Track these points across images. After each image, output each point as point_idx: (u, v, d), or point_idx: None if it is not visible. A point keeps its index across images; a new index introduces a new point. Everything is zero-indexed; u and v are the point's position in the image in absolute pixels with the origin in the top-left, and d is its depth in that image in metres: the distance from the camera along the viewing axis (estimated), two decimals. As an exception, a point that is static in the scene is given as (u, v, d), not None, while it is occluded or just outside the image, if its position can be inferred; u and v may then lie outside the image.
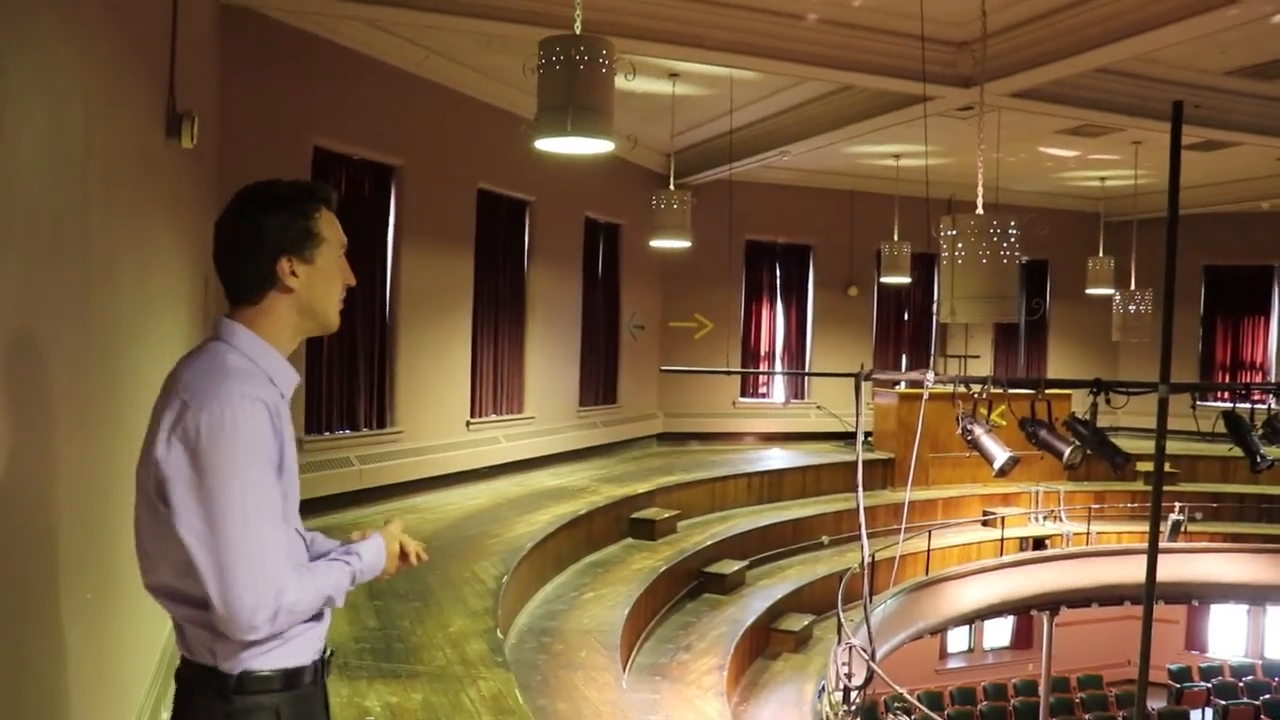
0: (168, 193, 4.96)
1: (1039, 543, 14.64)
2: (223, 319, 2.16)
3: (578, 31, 5.29)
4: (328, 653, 2.26)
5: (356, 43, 9.19)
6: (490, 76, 10.57)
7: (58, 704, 2.86)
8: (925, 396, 7.17)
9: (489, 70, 10.42)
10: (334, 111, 9.15)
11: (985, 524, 14.76)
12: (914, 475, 14.66)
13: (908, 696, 7.05)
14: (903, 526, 7.46)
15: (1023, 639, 19.21)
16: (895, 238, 14.49)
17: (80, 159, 3.07)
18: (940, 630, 14.36)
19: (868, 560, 7.37)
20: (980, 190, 6.49)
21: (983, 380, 7.51)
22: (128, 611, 3.95)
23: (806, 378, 16.90)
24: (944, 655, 18.69)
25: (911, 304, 17.61)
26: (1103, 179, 16.00)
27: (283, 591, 2.00)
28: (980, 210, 6.46)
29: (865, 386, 16.50)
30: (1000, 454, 7.35)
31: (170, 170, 4.95)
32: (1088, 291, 15.18)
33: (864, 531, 7.16)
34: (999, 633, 19.35)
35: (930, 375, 7.04)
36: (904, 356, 17.66)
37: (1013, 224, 6.28)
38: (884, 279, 15.27)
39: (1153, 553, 5.87)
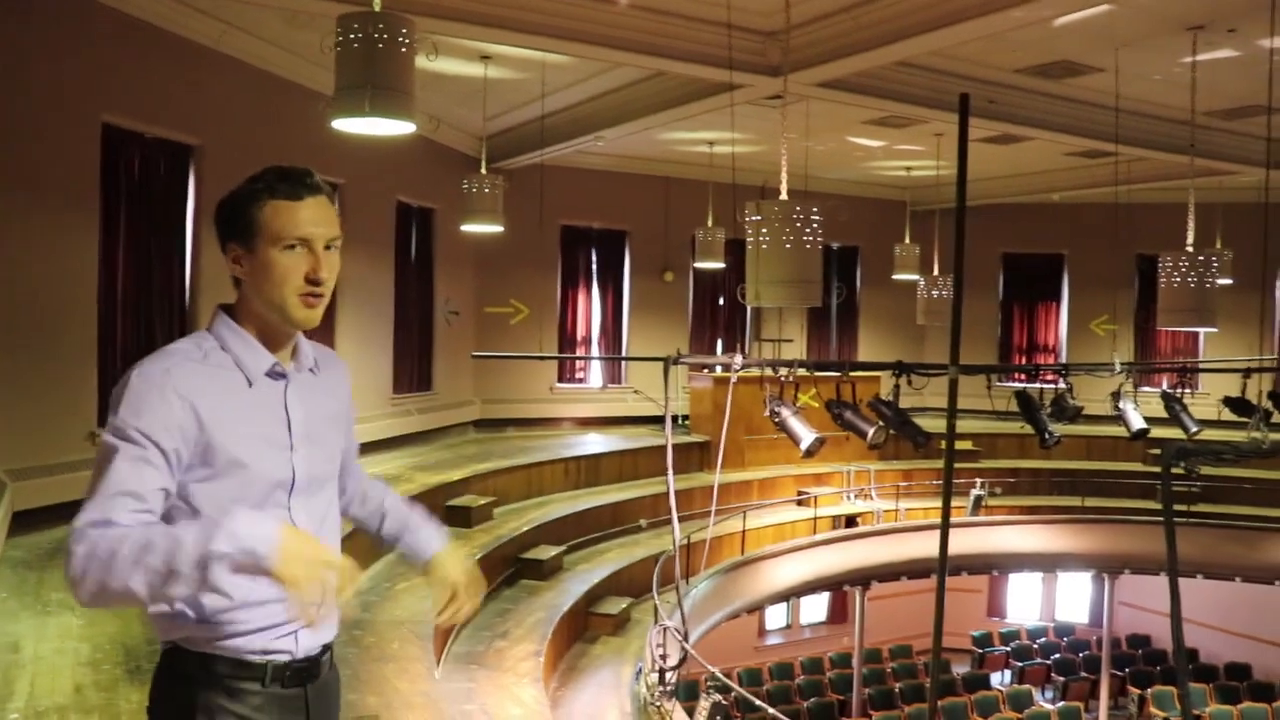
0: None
1: (850, 520, 15.11)
2: (216, 308, 2.21)
3: (377, 8, 5.15)
4: (296, 657, 2.18)
5: (148, 13, 8.73)
6: (295, 54, 10.23)
7: None
8: (733, 380, 7.28)
9: (294, 47, 10.08)
10: (125, 86, 8.69)
11: (799, 504, 15.14)
12: (730, 457, 14.92)
13: (720, 676, 7.17)
14: (713, 508, 7.56)
15: (838, 614, 19.80)
16: (709, 223, 14.68)
17: None
18: (757, 608, 14.66)
19: (680, 542, 7.45)
20: (785, 177, 6.61)
21: (789, 363, 7.68)
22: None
23: (624, 362, 16.99)
24: (763, 633, 19.10)
25: (726, 289, 17.90)
26: (908, 169, 16.58)
27: (88, 525, 1.88)
28: (784, 196, 6.60)
29: (682, 370, 16.82)
30: (806, 435, 7.55)
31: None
32: (894, 277, 15.72)
33: (675, 514, 7.24)
34: (815, 609, 19.89)
35: (738, 359, 7.16)
36: (719, 341, 17.94)
37: (815, 210, 6.43)
38: (698, 264, 15.47)
39: (945, 525, 6.10)
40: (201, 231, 9.53)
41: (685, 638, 7.46)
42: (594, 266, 16.99)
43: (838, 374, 8.09)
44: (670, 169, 16.32)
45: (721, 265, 15.05)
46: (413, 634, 7.42)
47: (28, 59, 7.75)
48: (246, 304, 2.18)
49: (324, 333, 11.60)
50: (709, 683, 6.98)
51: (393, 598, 8.30)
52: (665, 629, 7.96)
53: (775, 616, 19.24)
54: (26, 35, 7.74)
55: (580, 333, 16.92)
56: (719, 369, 15.27)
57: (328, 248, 2.15)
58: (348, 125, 5.35)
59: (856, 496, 15.66)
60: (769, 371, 7.70)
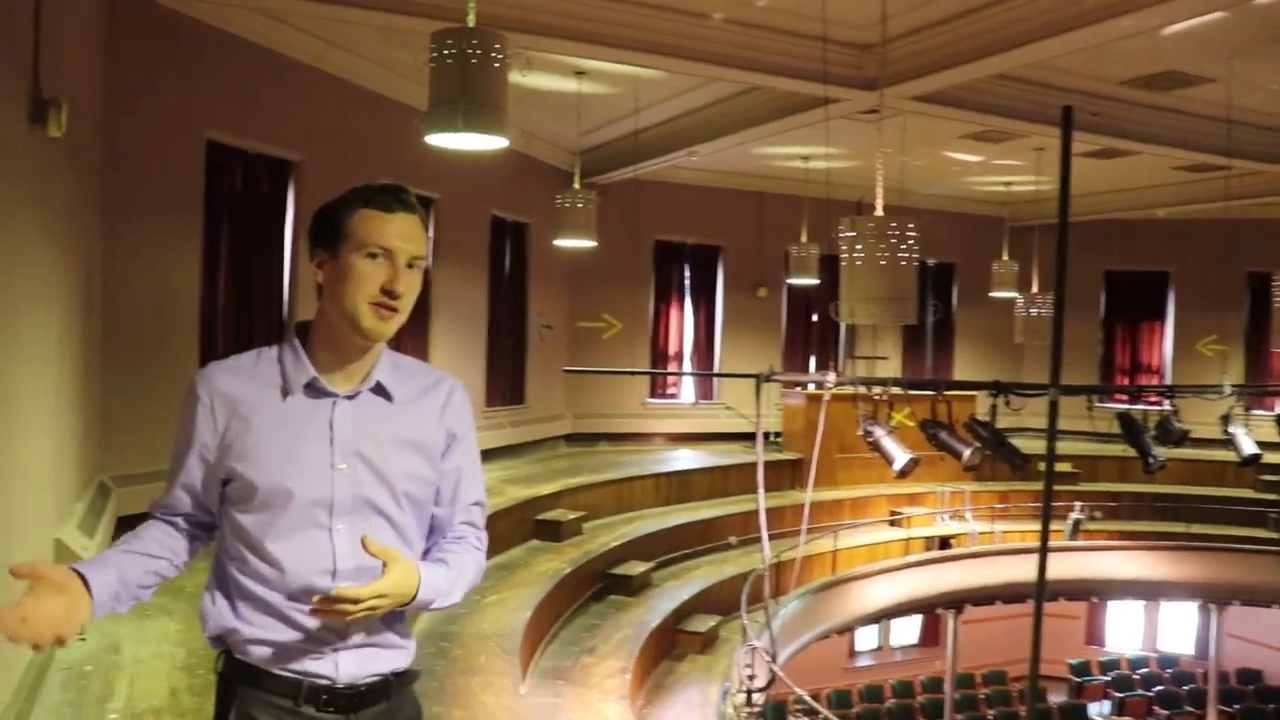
0: (33, 183, 4.73)
1: (944, 542, 14.82)
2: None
3: (470, 24, 5.18)
4: (336, 683, 2.12)
5: (252, 33, 8.93)
6: (393, 71, 10.38)
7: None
8: (826, 398, 7.18)
9: (392, 64, 10.22)
10: (229, 104, 8.89)
11: (892, 524, 14.90)
12: (822, 476, 14.74)
13: (808, 699, 7.05)
14: (804, 527, 7.46)
15: (930, 637, 19.43)
16: (803, 239, 14.55)
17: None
18: (848, 630, 14.47)
19: (770, 561, 7.36)
20: (880, 192, 6.50)
21: (883, 382, 7.55)
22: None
23: (716, 378, 16.90)
24: (853, 654, 18.82)
25: (820, 305, 17.70)
26: (1007, 184, 16.26)
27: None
28: (880, 212, 6.48)
29: (775, 388, 16.66)
30: (900, 455, 7.40)
31: (36, 160, 4.73)
32: (992, 294, 15.42)
33: (764, 532, 7.16)
34: (907, 631, 19.56)
35: (831, 377, 7.06)
36: (813, 358, 17.76)
37: (911, 226, 6.31)
38: (792, 280, 15.33)
39: (1043, 549, 5.92)
40: (300, 245, 9.70)
41: (773, 658, 7.36)
42: (687, 282, 16.93)
43: (933, 393, 7.91)
44: (764, 184, 16.21)
45: (816, 281, 14.89)
46: (500, 647, 7.43)
47: (136, 79, 7.97)
48: (323, 314, 2.18)
49: (418, 346, 11.74)
50: (796, 705, 6.86)
51: (481, 610, 8.32)
52: (753, 649, 7.87)
53: (866, 638, 18.95)
54: (135, 56, 7.96)
55: (672, 348, 16.88)
56: (812, 387, 15.10)
57: (410, 265, 2.13)
58: (440, 140, 5.38)
59: (951, 518, 15.35)
60: (862, 390, 7.57)
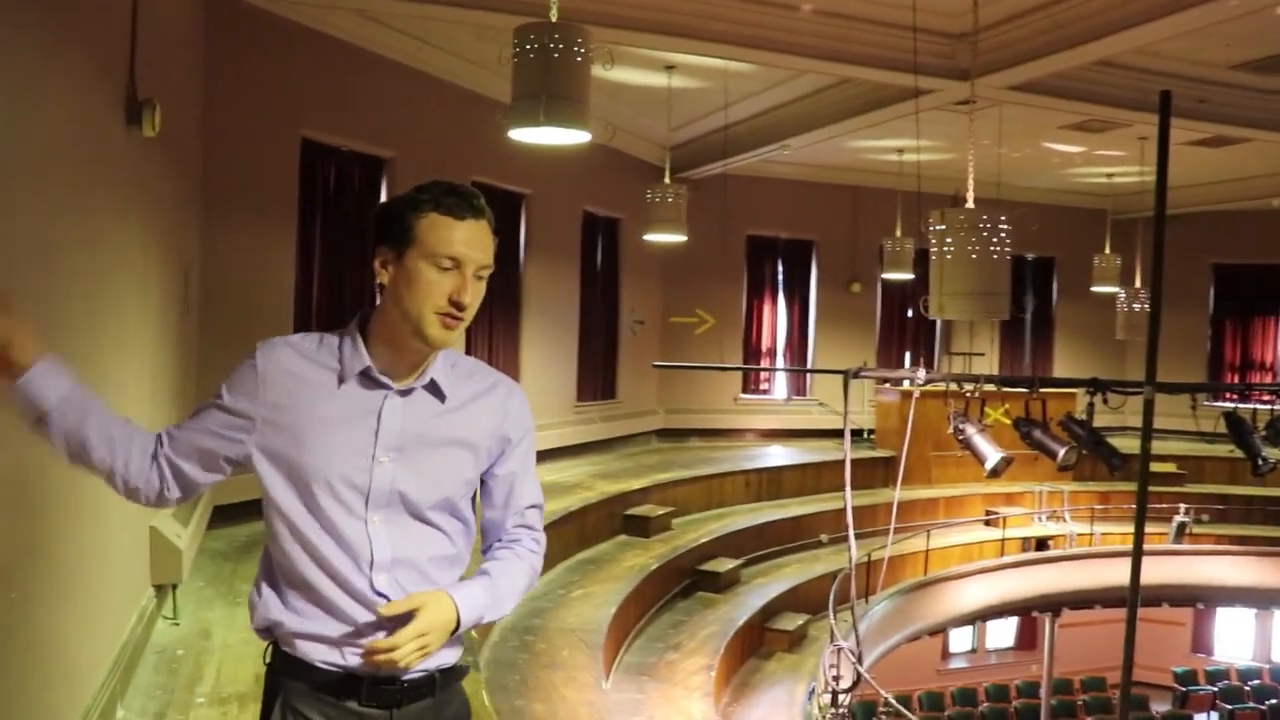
0: (129, 182, 4.84)
1: (1041, 543, 14.49)
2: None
3: (553, 19, 5.17)
4: (379, 675, 2.07)
5: (346, 33, 9.08)
6: (483, 67, 10.43)
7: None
8: (915, 395, 7.03)
9: (484, 61, 10.27)
10: (323, 103, 9.04)
11: (988, 524, 14.61)
12: (916, 474, 14.53)
13: (894, 702, 6.92)
14: (892, 526, 7.33)
15: (1026, 640, 19.03)
16: (898, 233, 14.33)
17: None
18: (940, 631, 14.22)
19: (859, 560, 7.26)
20: (971, 184, 6.35)
21: (975, 378, 7.37)
22: (68, 605, 3.86)
23: (808, 374, 16.74)
24: (946, 655, 18.52)
25: (914, 301, 17.42)
26: (1109, 175, 15.80)
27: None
28: (971, 205, 6.34)
29: (869, 384, 16.42)
30: (992, 454, 7.23)
31: (131, 160, 4.84)
32: (1093, 289, 15.02)
33: (851, 531, 7.01)
34: (1002, 634, 19.18)
35: (921, 373, 6.90)
36: (907, 353, 17.49)
37: (1003, 219, 6.15)
38: (886, 275, 15.11)
39: (1137, 553, 5.73)
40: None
41: (859, 659, 7.23)
42: (780, 277, 16.81)
43: (1027, 390, 7.70)
44: (858, 177, 16.00)
45: (910, 276, 14.66)
46: (583, 642, 7.45)
47: (233, 79, 8.15)
48: (384, 311, 2.12)
49: (509, 341, 11.83)
50: (884, 708, 6.75)
51: (566, 604, 8.36)
52: (839, 649, 7.75)
53: (960, 639, 18.63)
54: (231, 56, 8.14)
55: (765, 344, 16.76)
56: (905, 383, 14.87)
57: (478, 275, 2.07)
58: (523, 135, 5.39)
59: (1048, 518, 15.00)
60: (954, 386, 7.41)
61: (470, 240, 2.04)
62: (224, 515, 7.81)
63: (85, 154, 4.04)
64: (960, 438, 7.43)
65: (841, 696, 7.70)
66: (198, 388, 7.65)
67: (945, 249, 6.12)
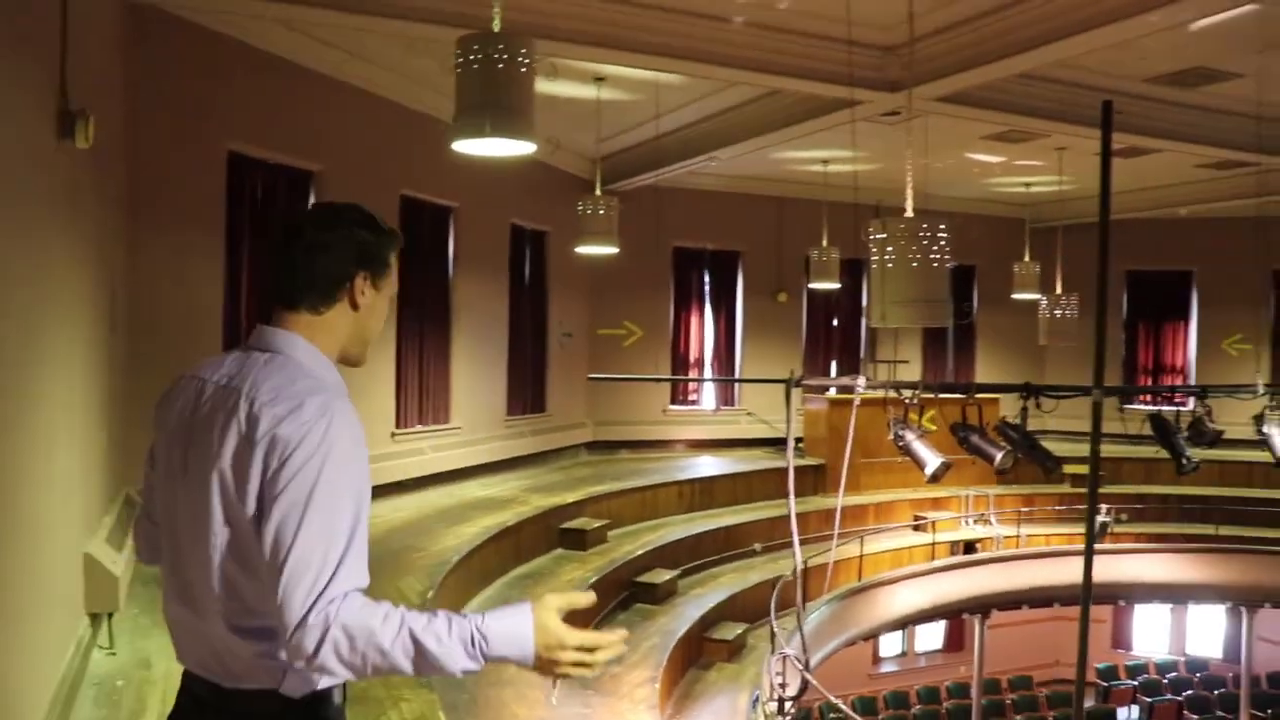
0: (62, 196, 4.69)
1: (969, 546, 14.68)
2: (274, 330, 2.09)
3: (496, 29, 5.12)
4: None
5: (272, 45, 8.92)
6: (413, 80, 10.35)
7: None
8: (856, 403, 7.10)
9: (412, 74, 10.20)
10: (249, 115, 8.87)
11: (916, 529, 14.78)
12: (846, 480, 14.65)
13: (843, 706, 6.95)
14: (835, 532, 7.38)
15: (954, 642, 19.31)
16: (824, 243, 14.47)
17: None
18: (873, 636, 14.35)
19: (800, 567, 7.28)
20: (910, 194, 6.41)
21: (913, 385, 7.46)
22: (5, 635, 3.71)
23: (737, 384, 16.82)
24: (877, 660, 18.72)
25: (841, 310, 17.62)
26: (1028, 184, 16.14)
27: (339, 614, 1.81)
28: (910, 213, 6.40)
29: (795, 392, 16.51)
30: (932, 460, 7.31)
31: (64, 172, 4.69)
32: (1014, 296, 15.30)
33: (796, 539, 7.07)
34: (931, 636, 19.43)
35: (861, 381, 6.97)
36: (834, 362, 17.66)
37: (942, 227, 6.22)
38: (813, 285, 15.24)
39: (1089, 554, 5.84)
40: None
41: (806, 665, 7.28)
42: (707, 288, 16.87)
43: (962, 396, 7.81)
44: (784, 188, 16.12)
45: (836, 285, 14.81)
46: (529, 658, 7.35)
47: (158, 91, 7.95)
48: (333, 329, 2.12)
49: (439, 355, 11.70)
50: (831, 715, 6.77)
51: (509, 621, 8.25)
52: (785, 657, 7.79)
53: (890, 644, 18.85)
54: (157, 68, 7.95)
55: (693, 354, 16.80)
56: (834, 391, 15.01)
57: None
58: (468, 147, 5.33)
59: (975, 522, 15.22)
60: (892, 394, 7.48)
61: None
62: (155, 539, 7.60)
63: (17, 166, 3.90)
64: (900, 444, 7.50)
65: (787, 703, 7.74)
66: (125, 408, 7.44)
67: (886, 258, 6.16)
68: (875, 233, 6.26)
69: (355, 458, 1.92)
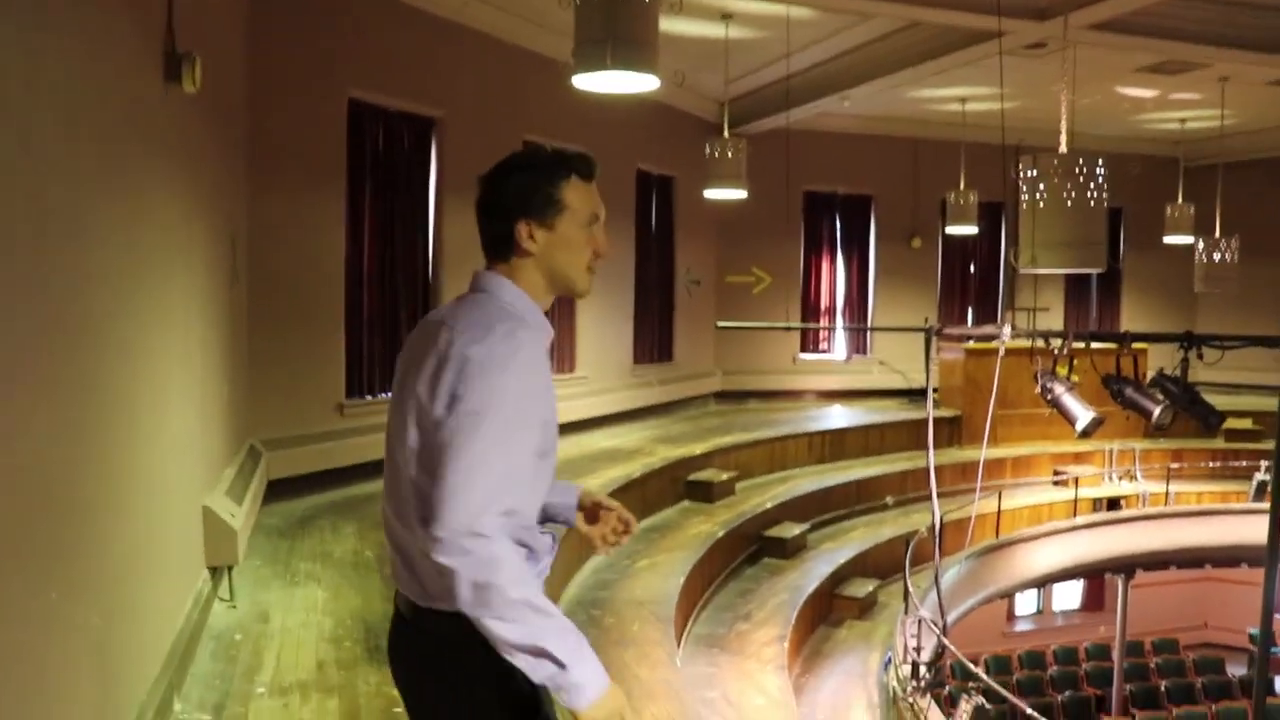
0: (170, 141, 4.55)
1: (1113, 503, 14.01)
2: (482, 272, 2.27)
3: (618, -44, 4.80)
4: None
5: (392, -13, 8.75)
6: (536, 23, 10.07)
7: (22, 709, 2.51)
8: (1001, 353, 6.64)
9: (535, 16, 9.92)
10: (370, 62, 8.72)
11: (1057, 484, 14.16)
12: (981, 433, 14.09)
13: (982, 675, 6.56)
14: (978, 485, 6.98)
15: (1094, 601, 18.60)
16: (961, 185, 13.85)
17: (19, 101, 2.63)
18: (1010, 594, 13.85)
19: (938, 523, 6.91)
20: (1065, 129, 5.92)
21: (1063, 334, 6.96)
22: (121, 593, 3.61)
23: (868, 333, 16.31)
24: (1011, 618, 18.12)
25: (978, 255, 16.92)
26: (1183, 120, 15.16)
27: (490, 528, 1.98)
28: (1064, 150, 5.92)
29: (933, 342, 15.91)
30: (1084, 414, 6.84)
31: (171, 117, 4.55)
32: (1165, 240, 14.45)
33: (934, 493, 6.71)
34: (1069, 595, 18.74)
35: (1006, 330, 6.51)
36: (970, 310, 17.00)
37: (1100, 164, 5.73)
38: (949, 229, 14.63)
39: (1275, 515, 5.36)
40: (444, 202, 9.51)
41: (944, 630, 6.92)
42: (838, 233, 16.33)
43: (1116, 346, 7.27)
44: (918, 129, 15.46)
45: (974, 230, 14.19)
46: (653, 615, 7.16)
47: (278, 38, 7.86)
48: (523, 275, 2.25)
49: (565, 304, 11.52)
50: (971, 685, 6.41)
51: (632, 576, 8.08)
52: (920, 620, 7.43)
53: (1026, 602, 18.22)
54: (277, 14, 7.84)
55: (824, 302, 16.32)
56: (973, 340, 14.40)
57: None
58: (587, 82, 5.04)
59: (1120, 477, 14.51)
60: (1040, 343, 6.99)
61: (599, 198, 2.28)
62: (279, 490, 7.61)
63: (119, 113, 3.74)
64: (1048, 397, 7.03)
65: (922, 669, 7.39)
66: (249, 358, 7.42)
67: (1038, 197, 5.71)
68: (1027, 170, 5.80)
69: (534, 386, 2.11)
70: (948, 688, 7.61)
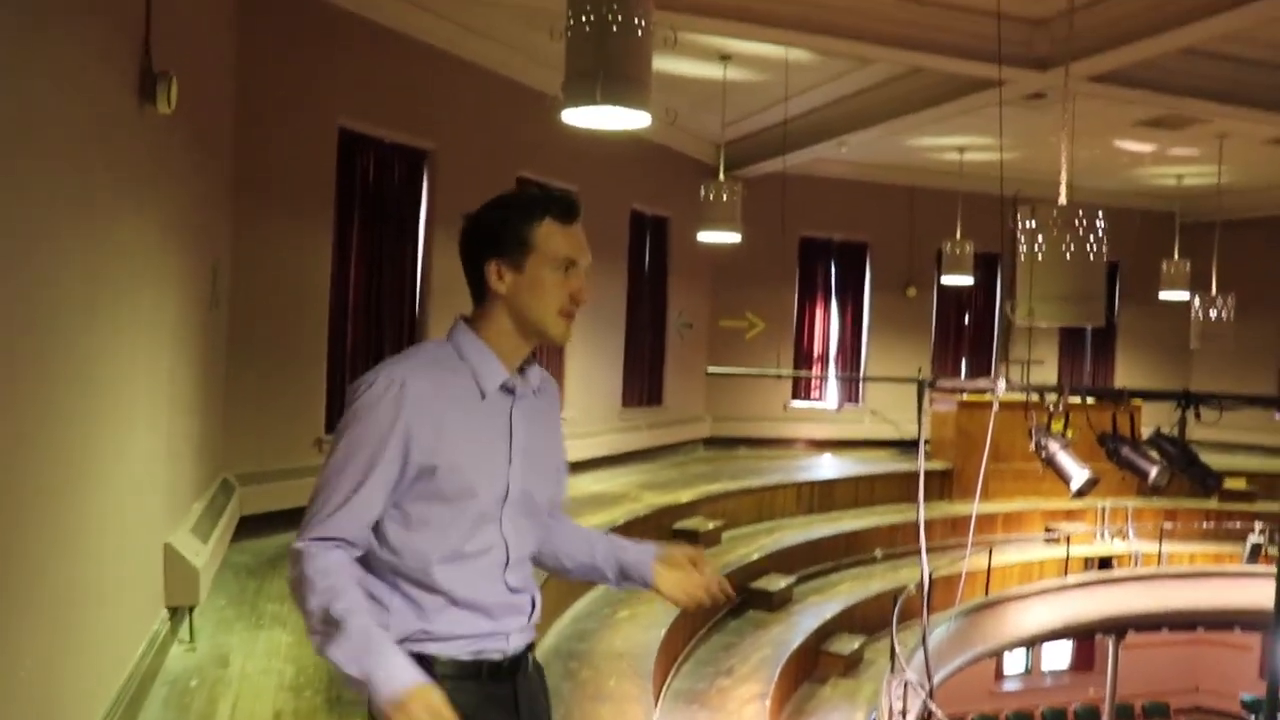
0: (141, 161, 4.38)
1: (1105, 562, 13.79)
2: (458, 321, 2.27)
3: (611, -12, 4.66)
4: (507, 655, 2.24)
5: (387, 18, 8.61)
6: (531, 57, 9.95)
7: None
8: (995, 408, 6.47)
9: (530, 50, 9.80)
10: (362, 91, 8.59)
11: (1048, 541, 13.94)
12: (972, 488, 13.82)
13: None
14: (970, 540, 6.79)
15: (1083, 661, 18.31)
16: (958, 235, 13.74)
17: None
18: (999, 654, 13.60)
19: (927, 582, 6.70)
20: (1064, 180, 5.78)
21: (1058, 390, 6.79)
22: (57, 647, 3.39)
23: (861, 382, 16.13)
24: (1000, 676, 17.83)
25: (973, 306, 16.80)
26: (1179, 176, 15.10)
27: (309, 549, 2.05)
28: (1063, 201, 5.76)
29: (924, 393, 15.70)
30: (1079, 473, 6.65)
31: (145, 138, 4.38)
32: (1161, 296, 14.33)
33: (924, 548, 6.50)
34: (1058, 655, 18.46)
35: (1001, 384, 6.34)
36: (964, 361, 16.84)
37: (1099, 216, 5.59)
38: (945, 279, 14.51)
39: None
40: (434, 236, 9.36)
41: (930, 693, 6.69)
42: (833, 280, 16.18)
43: (1115, 402, 7.11)
44: (916, 177, 15.38)
45: (970, 280, 14.07)
46: (631, 669, 6.93)
47: (268, 64, 7.73)
48: (492, 318, 2.22)
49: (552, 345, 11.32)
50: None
51: (612, 626, 7.84)
52: (906, 683, 7.21)
53: (1014, 660, 17.93)
54: (266, 39, 7.72)
55: (817, 349, 16.14)
56: (963, 395, 14.24)
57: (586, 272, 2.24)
58: (577, 117, 4.88)
59: (1113, 536, 14.30)
60: (1034, 398, 6.83)
61: (582, 243, 2.24)
62: (252, 527, 7.38)
63: (86, 129, 3.57)
64: (1043, 454, 6.84)
65: (908, 732, 7.16)
66: (226, 391, 7.22)
67: (1036, 249, 5.55)
68: (1025, 220, 5.64)
69: (382, 420, 2.08)
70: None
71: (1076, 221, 5.48)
